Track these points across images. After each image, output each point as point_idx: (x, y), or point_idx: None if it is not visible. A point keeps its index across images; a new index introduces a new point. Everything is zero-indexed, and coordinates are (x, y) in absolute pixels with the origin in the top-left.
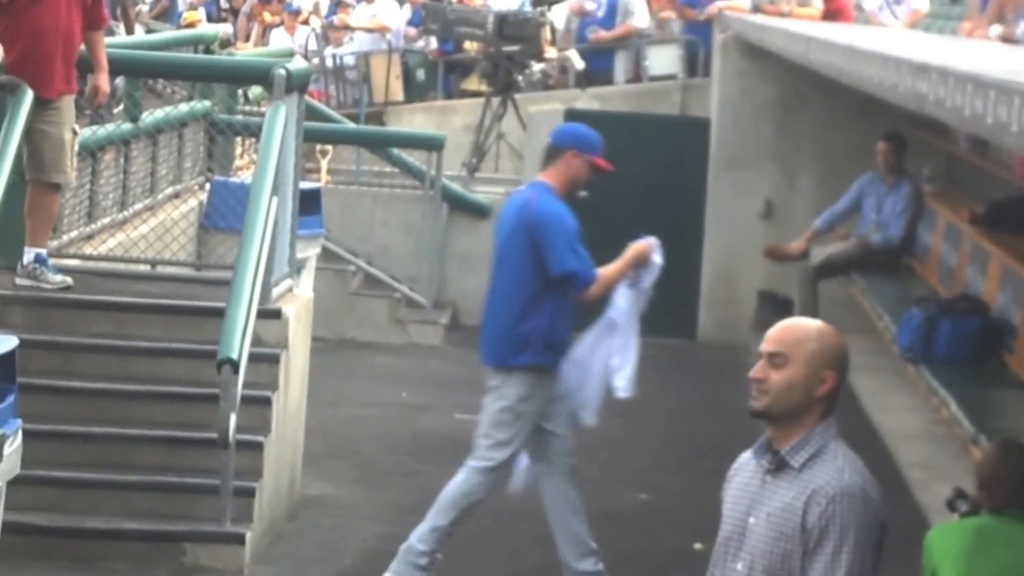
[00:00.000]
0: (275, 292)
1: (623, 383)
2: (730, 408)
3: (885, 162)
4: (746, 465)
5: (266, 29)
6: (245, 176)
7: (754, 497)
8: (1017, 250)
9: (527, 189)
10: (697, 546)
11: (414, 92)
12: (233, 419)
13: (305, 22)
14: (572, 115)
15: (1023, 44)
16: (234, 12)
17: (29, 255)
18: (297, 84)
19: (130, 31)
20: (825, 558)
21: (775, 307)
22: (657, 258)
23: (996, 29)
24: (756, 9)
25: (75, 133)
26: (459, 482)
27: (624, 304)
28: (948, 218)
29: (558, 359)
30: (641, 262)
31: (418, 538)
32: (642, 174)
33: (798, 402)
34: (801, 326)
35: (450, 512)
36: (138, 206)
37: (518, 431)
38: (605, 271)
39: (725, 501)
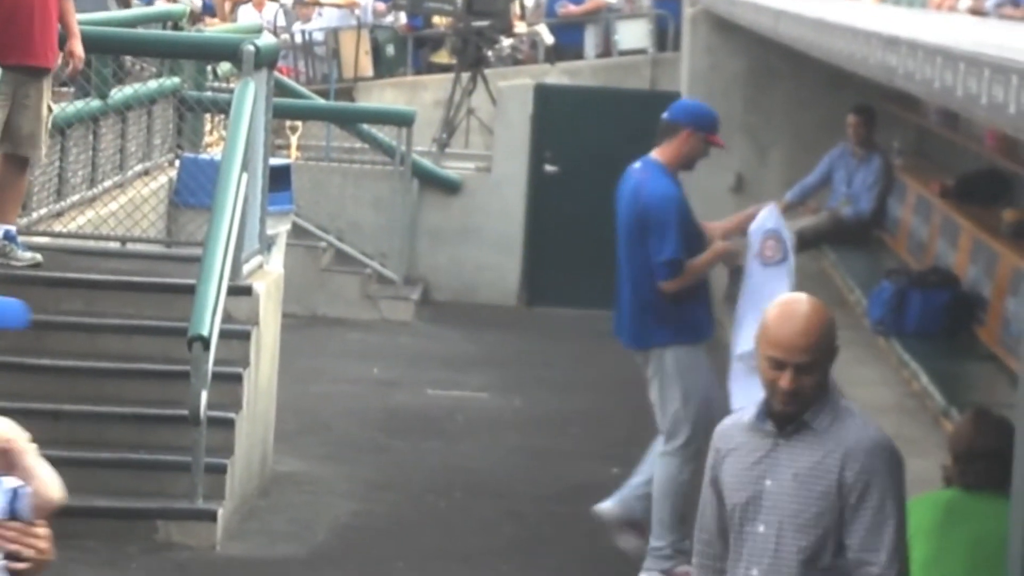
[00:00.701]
0: (245, 269)
1: None
2: None
3: (855, 135)
4: (738, 432)
5: (234, 5)
6: (215, 153)
7: (768, 461)
8: (987, 223)
9: (640, 168)
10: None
11: (384, 68)
12: (204, 396)
13: None
14: (542, 90)
15: (993, 16)
16: None
17: None
18: (266, 60)
19: (126, 4)
20: (871, 510)
21: None
22: (770, 223)
23: (966, 1)
24: None
25: (50, 110)
26: (658, 472)
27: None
28: (918, 191)
29: (695, 334)
30: (748, 226)
31: (654, 536)
32: (612, 149)
33: (822, 390)
34: (813, 323)
35: (665, 502)
36: (108, 183)
37: (691, 405)
38: (692, 263)
39: (724, 470)
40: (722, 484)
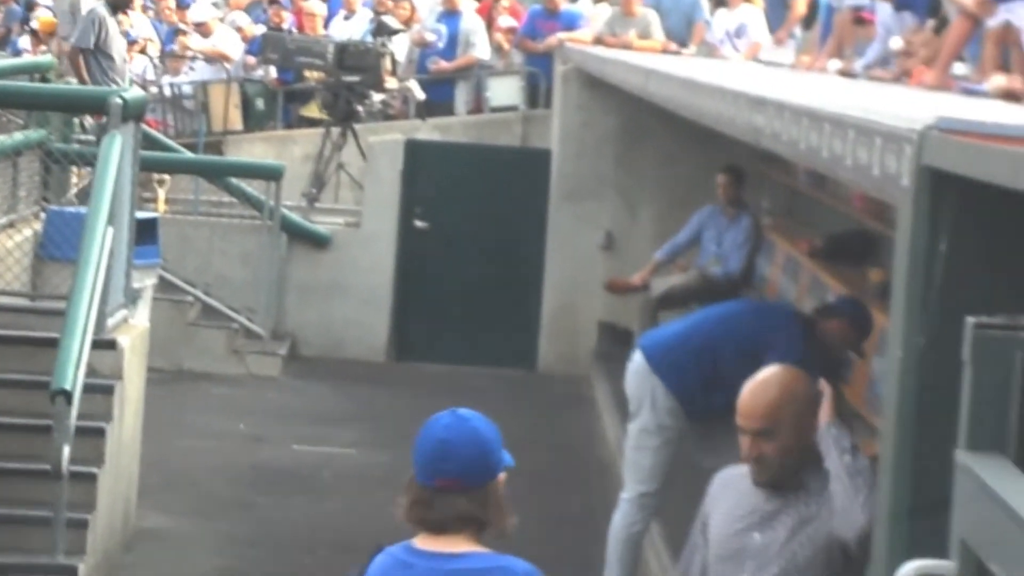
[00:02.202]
0: (110, 322)
1: None
2: (570, 439)
3: (725, 195)
4: (735, 483)
5: None
6: (81, 206)
7: (758, 515)
8: (854, 282)
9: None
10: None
11: (253, 122)
12: (66, 450)
13: (143, 51)
14: (412, 145)
15: (862, 78)
16: None
17: None
18: (134, 113)
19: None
20: None
21: (615, 338)
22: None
23: (835, 63)
24: (598, 41)
25: None
26: (616, 516)
27: None
28: (787, 250)
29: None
30: None
31: None
32: (483, 205)
33: (798, 457)
34: (772, 391)
35: (616, 546)
36: None
37: (663, 461)
38: None
39: (714, 518)
40: (709, 531)
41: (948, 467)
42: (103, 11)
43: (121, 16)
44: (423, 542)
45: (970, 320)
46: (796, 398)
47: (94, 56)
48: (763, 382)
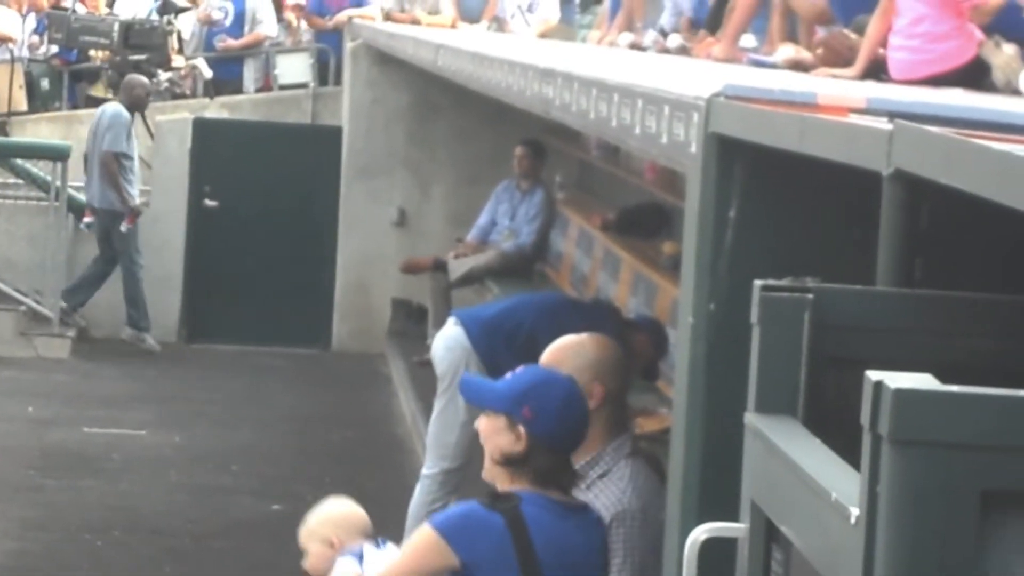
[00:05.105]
0: None
1: None
2: (365, 416)
3: (520, 167)
4: None
5: None
6: None
7: None
8: (647, 255)
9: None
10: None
11: (39, 102)
12: None
13: None
14: (201, 124)
15: (652, 51)
16: None
17: None
18: None
19: None
20: None
21: (410, 315)
22: None
23: (627, 37)
24: (387, 17)
25: None
26: (417, 494)
27: None
28: (580, 224)
29: None
30: None
31: None
32: (274, 183)
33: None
34: (566, 345)
35: (411, 522)
36: None
37: (467, 435)
38: None
39: None
40: None
41: (738, 430)
42: (127, 115)
43: None
44: (552, 493)
45: (757, 283)
46: (586, 355)
47: (117, 158)
48: (570, 337)
